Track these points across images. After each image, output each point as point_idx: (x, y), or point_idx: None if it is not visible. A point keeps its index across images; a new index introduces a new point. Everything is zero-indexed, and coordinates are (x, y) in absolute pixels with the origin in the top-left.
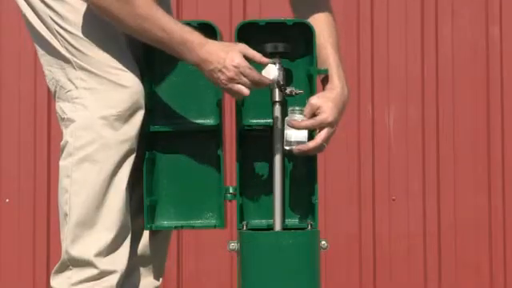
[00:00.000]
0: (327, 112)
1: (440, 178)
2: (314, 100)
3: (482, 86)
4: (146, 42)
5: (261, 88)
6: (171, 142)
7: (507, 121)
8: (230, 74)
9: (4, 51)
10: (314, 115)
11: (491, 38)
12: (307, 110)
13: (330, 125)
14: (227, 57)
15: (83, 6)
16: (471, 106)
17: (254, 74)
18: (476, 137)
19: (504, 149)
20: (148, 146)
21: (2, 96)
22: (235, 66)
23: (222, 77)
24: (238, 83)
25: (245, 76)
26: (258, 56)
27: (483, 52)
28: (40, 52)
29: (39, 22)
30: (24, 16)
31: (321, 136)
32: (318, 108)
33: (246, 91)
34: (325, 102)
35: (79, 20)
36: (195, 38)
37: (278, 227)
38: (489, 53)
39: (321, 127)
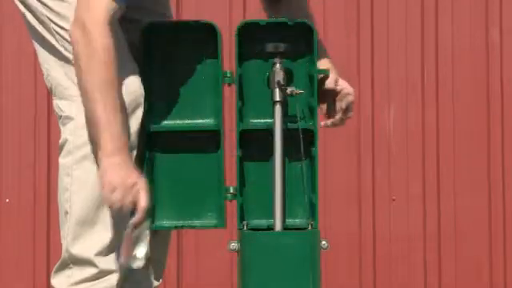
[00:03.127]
0: (348, 87)
1: (440, 178)
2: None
3: (481, 87)
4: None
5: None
6: (171, 141)
7: (507, 121)
8: (129, 180)
9: (4, 51)
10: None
11: (491, 39)
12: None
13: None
14: (136, 172)
15: None
16: (471, 106)
17: (143, 201)
18: (476, 137)
19: (504, 149)
20: (148, 145)
21: (2, 96)
22: (136, 182)
23: (121, 174)
24: (125, 192)
25: (135, 194)
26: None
27: (483, 53)
28: (38, 49)
29: (36, 21)
30: (23, 15)
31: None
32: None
33: (117, 205)
34: (338, 80)
35: None
36: (125, 138)
37: (278, 227)
38: (489, 53)
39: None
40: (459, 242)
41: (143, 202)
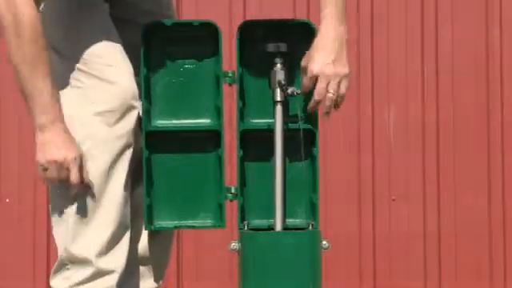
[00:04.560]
0: (312, 64)
1: (440, 177)
2: (303, 61)
3: (481, 87)
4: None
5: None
6: (171, 141)
7: (507, 121)
8: (57, 158)
9: (4, 51)
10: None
11: (491, 40)
12: (302, 75)
13: (320, 75)
14: (68, 146)
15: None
16: (471, 106)
17: (75, 177)
18: (476, 137)
19: (504, 148)
20: (148, 145)
21: (1, 96)
22: (66, 158)
23: (49, 152)
24: (56, 170)
25: (67, 170)
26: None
27: (483, 53)
28: None
29: None
30: None
31: (315, 93)
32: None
33: (47, 182)
34: (309, 55)
35: (64, 19)
36: (58, 108)
37: (278, 227)
38: (489, 54)
39: (314, 81)
40: (459, 241)
41: (74, 178)
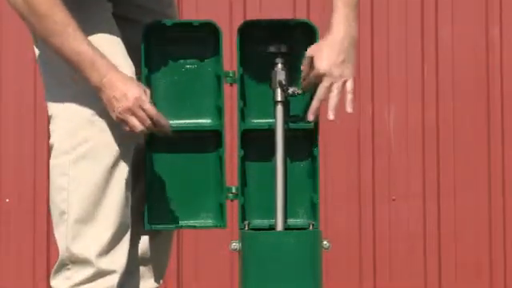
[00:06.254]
0: (320, 60)
1: (440, 177)
2: (308, 51)
3: (481, 86)
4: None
5: (155, 129)
6: (172, 141)
7: (507, 120)
8: (129, 103)
9: (4, 51)
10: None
11: (491, 39)
12: (304, 63)
13: (326, 75)
14: (130, 88)
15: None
16: (471, 106)
17: (152, 109)
18: (476, 137)
19: (504, 148)
20: (149, 145)
21: (1, 96)
22: (136, 98)
23: (119, 105)
24: (134, 115)
25: (143, 110)
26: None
27: (483, 52)
28: (37, 54)
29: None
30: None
31: (318, 93)
32: (312, 58)
33: (138, 127)
34: (318, 50)
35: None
36: (104, 61)
37: (279, 227)
38: (489, 54)
39: (318, 79)
40: (459, 241)
41: (152, 111)
